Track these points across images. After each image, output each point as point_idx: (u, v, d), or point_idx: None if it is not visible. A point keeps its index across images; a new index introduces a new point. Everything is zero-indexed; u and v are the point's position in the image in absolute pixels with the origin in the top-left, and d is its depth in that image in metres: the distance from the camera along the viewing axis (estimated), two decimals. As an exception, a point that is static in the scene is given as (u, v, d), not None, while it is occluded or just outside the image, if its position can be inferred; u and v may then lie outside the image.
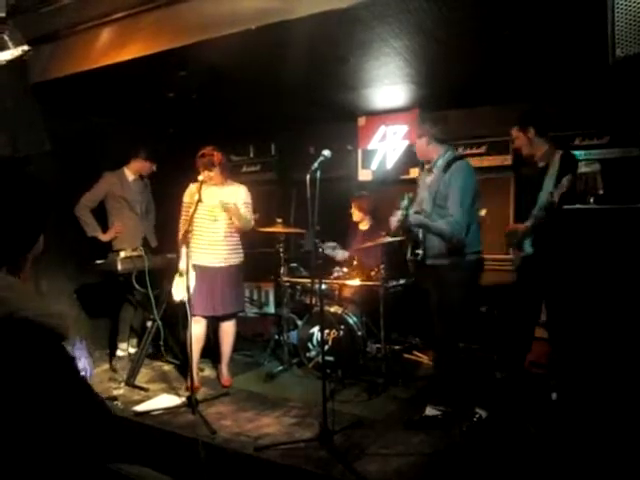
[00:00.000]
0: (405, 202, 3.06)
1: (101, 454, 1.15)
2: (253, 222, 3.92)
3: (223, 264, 3.78)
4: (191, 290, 3.42)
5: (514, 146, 3.38)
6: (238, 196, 3.83)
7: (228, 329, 3.93)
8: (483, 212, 3.51)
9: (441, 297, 3.09)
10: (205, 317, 3.80)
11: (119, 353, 4.50)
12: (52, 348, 1.06)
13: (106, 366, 4.45)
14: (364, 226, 4.67)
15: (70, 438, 1.05)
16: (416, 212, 3.14)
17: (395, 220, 3.12)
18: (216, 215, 3.73)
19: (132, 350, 4.64)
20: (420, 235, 3.13)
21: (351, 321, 3.92)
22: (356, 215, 4.65)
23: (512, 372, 3.43)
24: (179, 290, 3.61)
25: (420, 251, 3.08)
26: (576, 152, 4.16)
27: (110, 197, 4.44)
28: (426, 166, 3.20)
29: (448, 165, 3.01)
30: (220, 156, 3.74)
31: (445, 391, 3.14)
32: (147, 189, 4.74)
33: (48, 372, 1.04)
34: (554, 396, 2.95)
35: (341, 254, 4.61)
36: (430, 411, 3.11)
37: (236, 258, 3.87)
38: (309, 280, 4.38)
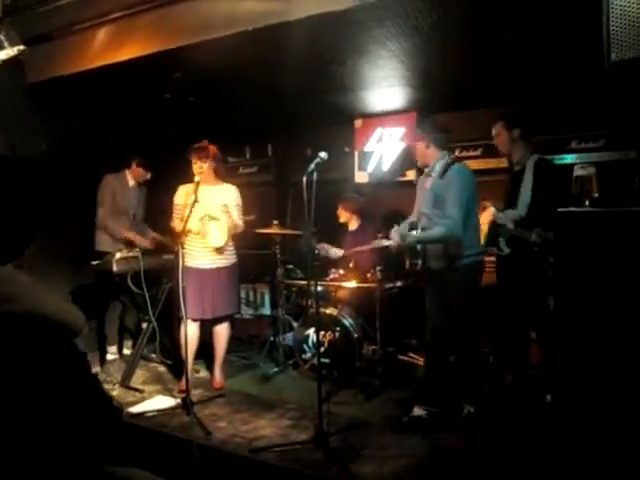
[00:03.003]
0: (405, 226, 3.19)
1: (105, 451, 1.16)
2: (242, 224, 3.86)
3: (211, 266, 3.74)
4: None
5: (494, 142, 3.55)
6: (229, 195, 3.80)
7: (221, 332, 3.90)
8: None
9: (442, 299, 3.13)
10: (196, 320, 3.77)
11: (109, 357, 4.48)
12: (66, 344, 1.07)
13: (97, 368, 4.43)
14: (352, 226, 4.68)
15: (79, 434, 1.06)
16: (411, 222, 3.23)
17: (395, 240, 3.19)
18: (204, 216, 3.70)
19: (127, 351, 4.63)
20: (418, 246, 3.20)
21: (347, 323, 3.92)
22: (343, 216, 4.67)
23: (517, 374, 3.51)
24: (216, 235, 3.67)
25: (419, 261, 3.16)
26: (572, 155, 4.24)
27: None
28: (425, 170, 3.25)
29: (446, 169, 3.06)
30: (215, 149, 3.74)
31: (433, 392, 3.19)
32: (143, 195, 4.73)
33: (62, 368, 1.05)
34: (549, 398, 2.96)
35: (334, 252, 4.62)
36: (417, 411, 3.15)
37: (225, 261, 3.80)
38: (305, 282, 4.38)
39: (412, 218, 3.37)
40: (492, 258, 4.21)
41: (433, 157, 3.16)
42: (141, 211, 4.78)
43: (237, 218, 3.80)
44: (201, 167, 3.66)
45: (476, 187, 3.11)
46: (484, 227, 3.53)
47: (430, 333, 3.24)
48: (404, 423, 3.12)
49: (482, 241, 3.49)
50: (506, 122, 3.41)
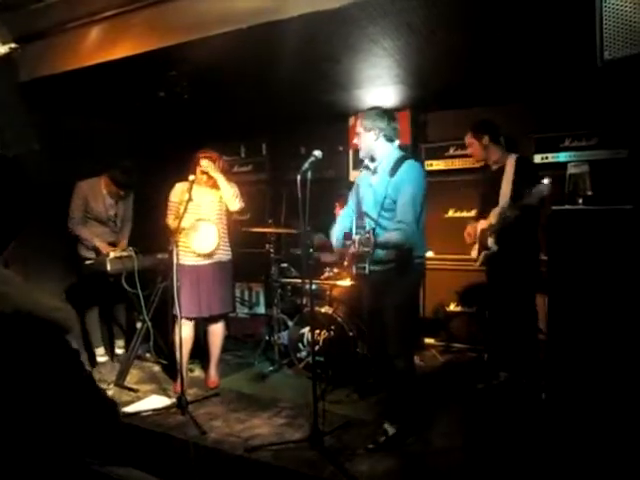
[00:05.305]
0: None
1: (101, 448, 1.16)
2: (239, 201, 3.75)
3: (206, 261, 3.73)
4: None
5: (469, 152, 3.72)
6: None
7: (216, 330, 3.90)
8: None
9: (390, 302, 2.81)
10: (192, 319, 3.76)
11: (99, 359, 4.46)
12: (58, 342, 1.06)
13: (88, 369, 4.39)
14: None
15: (75, 432, 1.06)
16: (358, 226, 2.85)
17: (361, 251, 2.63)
18: (201, 215, 3.69)
19: (119, 351, 4.61)
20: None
21: (342, 321, 3.92)
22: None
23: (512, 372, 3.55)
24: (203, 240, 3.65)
25: (365, 264, 2.73)
26: (565, 153, 4.28)
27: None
28: (368, 164, 2.93)
29: (396, 166, 2.75)
30: (222, 164, 3.76)
31: (402, 406, 2.95)
32: (128, 199, 4.60)
33: (55, 366, 1.05)
34: (543, 396, 2.97)
35: (330, 255, 4.61)
36: (390, 429, 2.90)
37: (220, 257, 3.79)
38: (300, 280, 4.38)
39: (345, 217, 3.09)
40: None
41: (380, 151, 2.84)
42: (126, 215, 4.64)
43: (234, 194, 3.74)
44: (200, 178, 3.66)
45: (427, 186, 2.81)
46: (470, 239, 3.67)
47: (377, 341, 2.93)
48: (381, 444, 2.85)
49: (475, 254, 3.65)
50: (473, 132, 3.53)
